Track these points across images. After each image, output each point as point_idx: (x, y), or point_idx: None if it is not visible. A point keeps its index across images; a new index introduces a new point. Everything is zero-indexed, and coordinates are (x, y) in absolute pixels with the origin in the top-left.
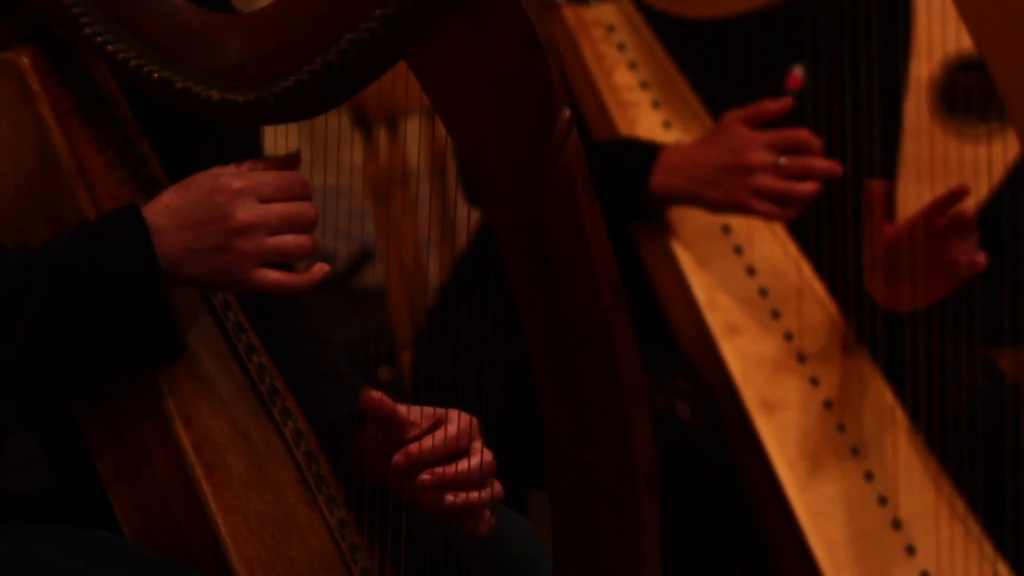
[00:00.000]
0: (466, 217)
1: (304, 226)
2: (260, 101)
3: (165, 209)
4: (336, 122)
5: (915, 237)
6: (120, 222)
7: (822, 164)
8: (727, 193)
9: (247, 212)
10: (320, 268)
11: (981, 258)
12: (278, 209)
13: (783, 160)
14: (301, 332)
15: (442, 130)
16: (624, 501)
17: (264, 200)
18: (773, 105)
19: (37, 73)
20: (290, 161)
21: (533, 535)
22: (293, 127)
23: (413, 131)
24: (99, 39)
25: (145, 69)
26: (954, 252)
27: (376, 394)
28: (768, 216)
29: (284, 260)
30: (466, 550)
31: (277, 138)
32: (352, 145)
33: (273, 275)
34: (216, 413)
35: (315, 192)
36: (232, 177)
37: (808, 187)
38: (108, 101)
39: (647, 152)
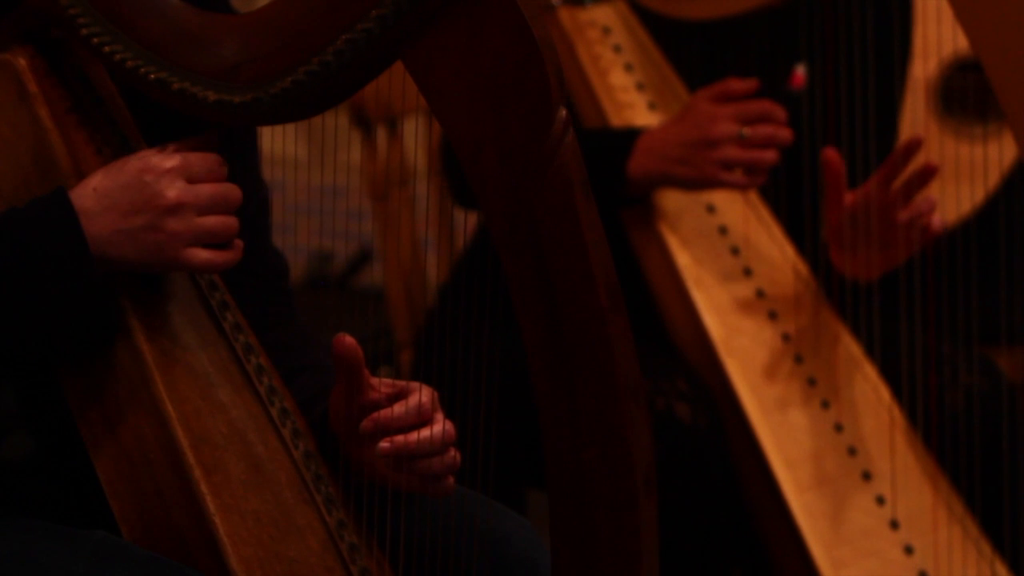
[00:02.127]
0: (465, 217)
1: (231, 206)
2: (257, 102)
3: (93, 192)
4: (335, 122)
5: (870, 204)
6: (46, 206)
7: (785, 133)
8: (696, 169)
9: (177, 191)
10: (238, 244)
11: (937, 222)
12: (207, 189)
13: (746, 131)
14: (294, 329)
15: (440, 129)
16: (622, 500)
17: (192, 180)
18: (738, 84)
19: (34, 74)
20: (210, 139)
21: (532, 534)
22: (292, 127)
23: (412, 131)
24: (96, 40)
25: (142, 70)
26: (909, 216)
27: (350, 339)
28: (737, 187)
29: (213, 240)
30: (465, 550)
31: (275, 138)
32: (351, 145)
33: (204, 254)
34: (214, 414)
35: (314, 192)
36: (161, 158)
37: (771, 155)
38: (106, 102)
39: (625, 138)
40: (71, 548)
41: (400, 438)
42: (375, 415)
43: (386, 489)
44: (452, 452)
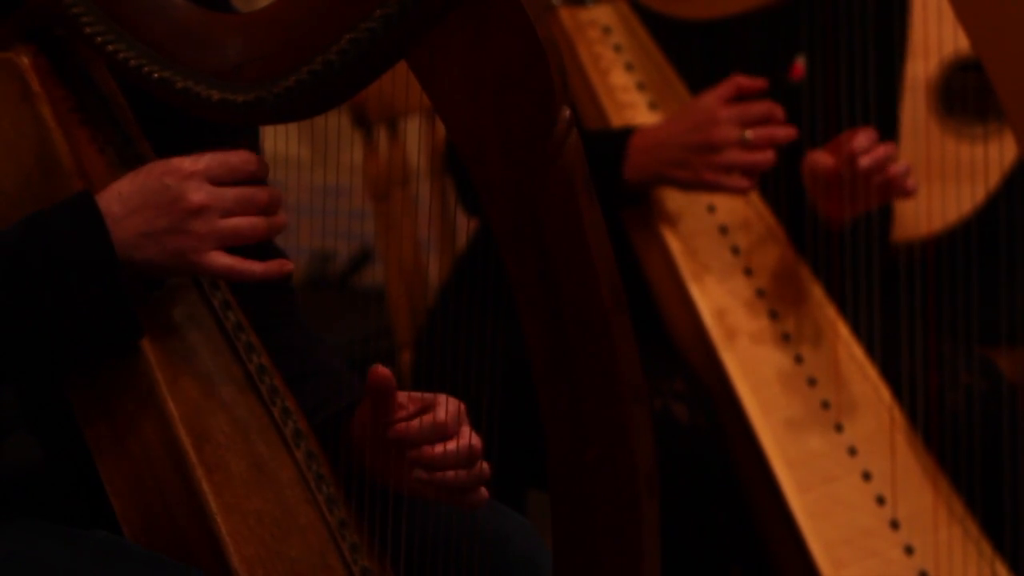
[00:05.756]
0: (466, 217)
1: (258, 208)
2: (260, 101)
3: (118, 196)
4: (336, 122)
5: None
6: (73, 211)
7: (785, 132)
8: (695, 173)
9: (200, 194)
10: (280, 264)
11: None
12: (231, 191)
13: (749, 134)
14: (298, 330)
15: (442, 130)
16: (624, 501)
17: (216, 182)
18: (746, 81)
19: (37, 73)
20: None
21: (533, 534)
22: (293, 127)
23: (413, 131)
24: (99, 39)
25: (145, 69)
26: (871, 162)
27: (383, 370)
28: (736, 191)
29: (239, 242)
30: (466, 550)
31: (277, 138)
32: (352, 145)
33: (226, 259)
34: (216, 413)
35: (315, 192)
36: (184, 160)
37: (769, 156)
38: (108, 101)
39: (618, 139)
40: (72, 548)
41: (425, 450)
42: (392, 429)
43: (387, 490)
44: (481, 464)
